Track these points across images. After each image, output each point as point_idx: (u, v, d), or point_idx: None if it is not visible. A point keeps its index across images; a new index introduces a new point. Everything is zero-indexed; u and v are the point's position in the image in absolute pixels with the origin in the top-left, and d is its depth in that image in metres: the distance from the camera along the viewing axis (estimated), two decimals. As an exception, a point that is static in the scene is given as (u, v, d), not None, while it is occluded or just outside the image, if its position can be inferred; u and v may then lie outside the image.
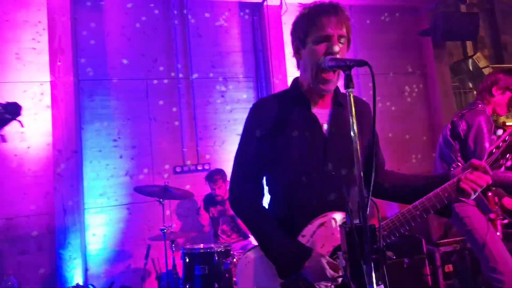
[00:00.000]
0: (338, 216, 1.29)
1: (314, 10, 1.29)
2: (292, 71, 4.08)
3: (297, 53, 1.36)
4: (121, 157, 3.73)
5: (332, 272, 1.21)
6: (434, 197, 1.28)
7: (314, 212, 1.29)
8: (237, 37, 4.20)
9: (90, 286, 3.18)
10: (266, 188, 1.41)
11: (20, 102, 3.54)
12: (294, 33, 1.35)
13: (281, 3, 4.08)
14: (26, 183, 3.44)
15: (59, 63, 3.51)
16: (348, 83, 1.05)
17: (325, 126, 1.34)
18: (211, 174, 3.48)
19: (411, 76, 4.75)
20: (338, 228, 1.19)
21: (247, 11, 4.26)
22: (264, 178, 1.40)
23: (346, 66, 1.07)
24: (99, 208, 3.63)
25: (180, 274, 3.10)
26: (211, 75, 4.05)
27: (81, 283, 3.25)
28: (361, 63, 1.06)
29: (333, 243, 1.28)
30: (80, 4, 3.79)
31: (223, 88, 4.08)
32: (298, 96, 1.36)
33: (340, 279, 1.21)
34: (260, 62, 4.18)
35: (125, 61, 3.85)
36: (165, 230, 3.06)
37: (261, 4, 4.13)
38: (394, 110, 4.58)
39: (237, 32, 4.20)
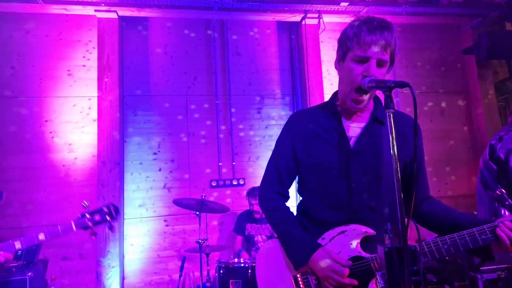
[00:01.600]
0: (359, 229, 1.33)
1: (362, 26, 1.26)
2: (328, 89, 4.09)
3: (338, 63, 1.39)
4: (160, 170, 3.86)
5: (336, 276, 1.25)
6: (467, 235, 1.22)
7: (334, 221, 1.34)
8: (275, 55, 4.28)
9: (127, 295, 3.26)
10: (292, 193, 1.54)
11: (69, 116, 3.79)
12: (339, 42, 1.35)
13: (319, 22, 4.12)
14: (71, 192, 3.63)
15: (106, 80, 3.72)
16: (388, 104, 1.06)
17: (353, 140, 1.35)
18: (254, 190, 3.50)
19: (453, 95, 4.61)
20: (358, 240, 1.32)
21: (285, 30, 4.34)
22: (295, 183, 1.53)
23: (387, 87, 1.07)
24: (138, 219, 3.76)
25: (214, 287, 3.13)
26: (248, 92, 4.14)
27: (118, 292, 3.35)
28: (402, 85, 1.06)
29: (349, 253, 1.32)
30: (127, 24, 4.01)
31: (260, 105, 4.15)
32: (332, 109, 1.41)
33: (344, 281, 1.25)
34: (297, 80, 4.22)
35: (167, 79, 4.02)
36: (201, 243, 3.11)
37: (299, 23, 4.19)
38: (435, 129, 4.45)
39: (275, 51, 4.28)
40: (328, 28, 4.13)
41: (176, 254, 3.74)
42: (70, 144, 3.70)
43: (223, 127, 4.03)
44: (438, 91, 4.57)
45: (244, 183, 3.91)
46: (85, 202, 1.94)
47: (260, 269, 1.45)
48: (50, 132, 3.69)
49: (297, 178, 1.51)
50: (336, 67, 1.39)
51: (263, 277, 1.43)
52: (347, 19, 4.12)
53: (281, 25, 4.33)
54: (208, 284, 3.16)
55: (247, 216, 3.57)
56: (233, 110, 4.06)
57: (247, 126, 4.09)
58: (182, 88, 4.02)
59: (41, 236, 1.83)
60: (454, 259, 3.31)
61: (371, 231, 1.32)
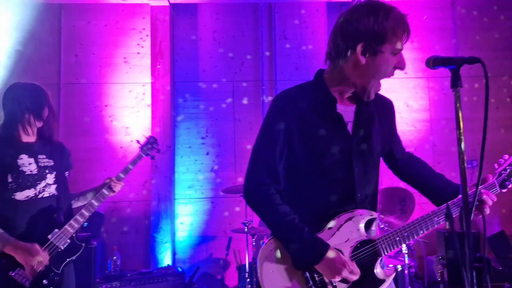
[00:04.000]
0: (365, 213, 1.34)
1: (397, 20, 1.23)
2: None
3: (362, 54, 1.24)
4: (207, 154, 4.02)
5: (346, 273, 1.24)
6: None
7: (338, 210, 1.32)
8: (324, 38, 4.16)
9: (179, 268, 3.51)
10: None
11: (126, 101, 4.05)
12: (363, 33, 1.22)
13: (371, 1, 3.91)
14: (128, 174, 3.92)
15: (158, 66, 3.89)
16: (456, 82, 1.02)
17: (349, 125, 1.34)
18: None
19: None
20: (363, 225, 1.33)
21: (335, 10, 4.18)
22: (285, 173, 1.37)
23: (454, 64, 1.04)
24: (187, 199, 3.98)
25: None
26: (295, 77, 4.10)
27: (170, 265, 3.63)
28: (472, 61, 1.02)
29: (357, 238, 1.32)
30: (177, 11, 4.13)
31: (306, 90, 4.09)
32: (324, 94, 1.33)
33: (353, 278, 1.26)
34: (346, 64, 4.08)
35: (214, 64, 4.10)
36: (247, 224, 3.22)
37: (350, 3, 4.01)
38: (503, 117, 4.10)
39: (324, 33, 4.16)
40: (381, 8, 3.91)
41: (223, 235, 3.93)
42: (127, 127, 3.97)
43: (269, 113, 4.06)
44: (505, 75, 4.17)
45: (288, 169, 3.94)
46: (138, 141, 2.49)
47: (266, 273, 1.31)
48: (109, 116, 3.98)
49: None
50: (360, 58, 1.23)
51: (269, 281, 1.31)
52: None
53: (331, 5, 4.18)
54: (253, 264, 3.29)
55: None
56: (279, 95, 4.06)
57: (293, 112, 4.07)
58: (229, 74, 4.09)
59: (122, 174, 2.23)
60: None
61: (375, 214, 1.36)
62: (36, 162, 1.97)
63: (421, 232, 1.32)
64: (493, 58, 4.14)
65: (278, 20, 4.16)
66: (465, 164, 1.00)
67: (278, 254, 1.32)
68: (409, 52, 4.15)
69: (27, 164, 1.94)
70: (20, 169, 1.91)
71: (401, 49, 1.25)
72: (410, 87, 4.09)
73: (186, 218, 3.97)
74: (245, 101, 4.08)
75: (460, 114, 1.00)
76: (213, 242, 3.94)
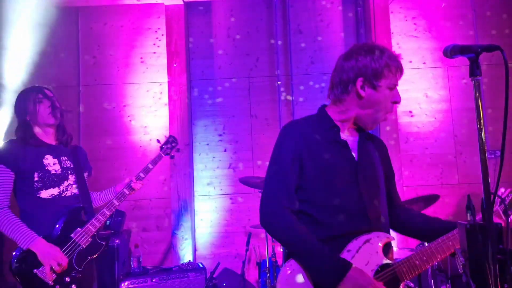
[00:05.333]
0: (382, 236, 1.36)
1: (391, 58, 1.39)
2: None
3: (360, 88, 1.39)
4: (225, 150, 4.05)
5: None
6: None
7: (353, 231, 1.35)
8: (339, 30, 4.11)
9: (200, 264, 3.56)
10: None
11: (144, 101, 4.11)
12: (361, 69, 1.38)
13: (388, -9, 3.84)
14: (148, 173, 3.98)
15: (175, 65, 3.93)
16: (475, 71, 1.00)
17: (354, 151, 1.44)
18: None
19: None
20: (381, 248, 1.33)
21: (350, 2, 4.12)
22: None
23: (473, 52, 1.02)
24: (206, 196, 4.02)
25: (279, 262, 3.27)
26: (311, 71, 4.07)
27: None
28: (491, 48, 1.00)
29: (377, 261, 1.32)
30: (192, 9, 4.14)
31: (323, 84, 4.06)
32: (328, 123, 1.45)
33: None
34: (362, 56, 4.02)
35: (230, 62, 4.11)
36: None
37: (365, -6, 3.95)
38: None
39: (339, 26, 4.11)
40: (398, -2, 3.83)
41: (242, 230, 3.96)
42: (145, 127, 4.03)
43: (284, 108, 4.05)
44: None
45: (306, 164, 3.93)
46: (158, 140, 2.54)
47: None
48: (128, 116, 4.05)
49: None
50: (360, 92, 1.39)
51: None
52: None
53: (346, -3, 4.12)
54: (273, 259, 3.31)
55: None
56: (295, 90, 4.04)
57: (310, 106, 4.05)
58: (244, 70, 4.09)
59: (142, 174, 2.29)
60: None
61: (391, 238, 1.39)
62: (60, 162, 2.04)
63: (439, 256, 1.32)
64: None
65: (293, 14, 4.12)
66: (486, 155, 0.98)
67: (298, 277, 1.31)
68: (428, 42, 4.06)
69: (52, 164, 2.00)
70: (46, 168, 1.97)
71: (396, 84, 1.40)
72: (429, 77, 4.00)
73: (206, 215, 4.01)
74: (261, 98, 4.08)
75: (480, 104, 0.98)
76: (233, 238, 3.97)
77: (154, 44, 4.11)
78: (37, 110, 2.02)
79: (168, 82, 3.93)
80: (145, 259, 3.61)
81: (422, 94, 3.97)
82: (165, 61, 3.99)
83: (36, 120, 2.02)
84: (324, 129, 1.43)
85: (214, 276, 3.44)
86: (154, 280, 3.25)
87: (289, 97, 4.05)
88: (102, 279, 3.28)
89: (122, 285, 3.13)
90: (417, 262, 1.31)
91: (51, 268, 1.85)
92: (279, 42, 4.10)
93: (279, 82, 4.05)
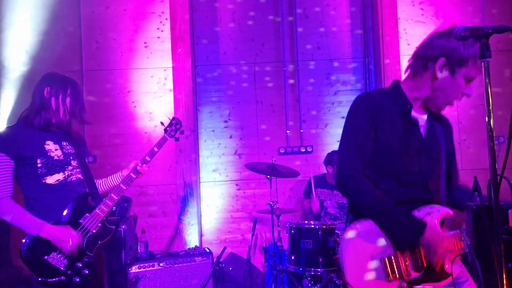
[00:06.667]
0: (442, 211, 1.42)
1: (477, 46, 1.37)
2: (405, 50, 3.82)
3: (439, 68, 1.40)
4: (231, 137, 4.04)
5: (444, 248, 1.30)
6: None
7: (415, 195, 1.46)
8: (345, 15, 4.07)
9: (206, 249, 3.59)
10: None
11: (148, 86, 4.07)
12: (449, 50, 1.37)
13: (395, -25, 3.79)
14: (154, 156, 3.97)
15: (179, 50, 3.88)
16: (485, 53, 1.01)
17: (422, 129, 1.51)
18: (331, 155, 3.52)
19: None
20: (438, 221, 1.39)
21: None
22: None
23: (483, 34, 1.02)
24: (212, 183, 4.03)
25: (285, 247, 3.32)
26: (317, 57, 4.04)
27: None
28: (502, 29, 1.01)
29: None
30: (196, -7, 4.07)
31: (328, 70, 4.04)
32: (402, 99, 1.50)
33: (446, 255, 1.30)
34: (370, 42, 4.00)
35: (235, 47, 4.07)
36: (272, 204, 3.26)
37: (372, -21, 3.90)
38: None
39: (346, 10, 4.07)
40: (405, -17, 3.79)
41: (248, 216, 3.99)
42: (150, 113, 4.00)
43: (290, 94, 4.03)
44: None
45: (312, 151, 3.95)
46: (162, 122, 2.47)
47: (349, 254, 1.40)
48: (133, 102, 4.01)
49: None
50: (437, 72, 1.40)
51: (353, 262, 1.39)
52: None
53: (352, -18, 4.06)
54: (279, 244, 3.35)
55: (319, 181, 3.64)
56: (300, 76, 4.02)
57: (316, 92, 4.04)
58: (250, 56, 4.05)
59: (148, 157, 2.23)
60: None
61: (451, 212, 1.44)
62: (61, 148, 2.01)
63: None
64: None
65: (299, -2, 4.06)
66: (494, 141, 0.99)
67: (365, 236, 1.40)
68: (434, 27, 4.03)
69: (54, 149, 1.97)
70: (49, 154, 1.94)
71: (473, 78, 1.40)
72: (435, 63, 4.00)
73: (211, 201, 4.03)
74: (267, 83, 4.05)
75: (489, 89, 0.98)
76: (239, 223, 4.01)
77: (158, 28, 4.04)
78: (63, 104, 1.99)
79: (173, 67, 3.89)
80: (151, 244, 3.63)
81: (427, 81, 3.97)
82: (169, 46, 3.93)
83: (52, 111, 1.99)
84: (398, 104, 1.49)
85: (220, 260, 3.48)
86: (161, 265, 3.28)
87: (291, 81, 4.03)
88: (109, 264, 3.31)
89: (130, 270, 3.16)
90: (462, 237, 1.35)
91: (68, 250, 1.84)
92: (285, 27, 4.05)
93: (285, 68, 4.02)
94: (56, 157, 1.96)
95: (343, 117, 3.92)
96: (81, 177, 2.03)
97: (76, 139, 2.12)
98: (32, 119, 1.96)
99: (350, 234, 1.43)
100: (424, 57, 1.43)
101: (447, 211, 1.43)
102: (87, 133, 3.88)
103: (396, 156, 1.45)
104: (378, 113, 1.46)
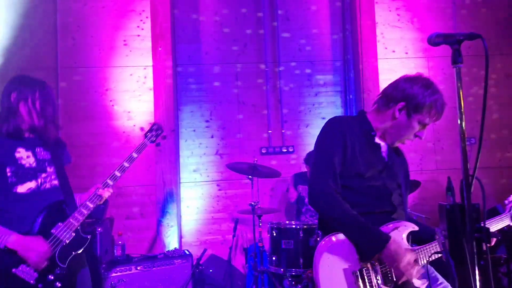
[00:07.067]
0: (409, 226, 1.56)
1: (437, 103, 1.55)
2: (382, 53, 3.94)
3: (398, 110, 1.57)
4: (212, 137, 4.00)
5: (406, 261, 1.43)
6: None
7: (380, 208, 1.60)
8: (326, 18, 4.15)
9: (186, 251, 3.52)
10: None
11: (127, 85, 3.98)
12: (409, 96, 1.54)
13: (373, -19, 3.91)
14: (133, 163, 3.88)
15: (160, 49, 3.83)
16: (457, 58, 1.05)
17: (384, 154, 1.68)
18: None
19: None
20: (406, 236, 1.53)
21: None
22: None
23: (456, 40, 1.08)
24: (193, 183, 3.97)
25: (266, 247, 3.30)
26: (298, 58, 4.09)
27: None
28: (473, 36, 1.06)
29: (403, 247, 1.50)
30: (178, -8, 4.04)
31: (309, 71, 4.10)
32: (368, 128, 1.67)
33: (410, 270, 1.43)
34: (349, 44, 4.09)
35: (217, 47, 4.06)
36: (254, 205, 3.24)
37: (351, -17, 4.01)
38: (500, 95, 4.20)
39: (326, 14, 4.15)
40: (383, -12, 3.92)
41: (229, 217, 3.95)
42: (129, 112, 3.91)
43: (272, 95, 4.05)
44: (505, 53, 4.25)
45: (293, 151, 3.97)
46: (142, 128, 2.36)
47: (323, 267, 1.49)
48: (111, 101, 3.91)
49: None
50: (396, 112, 1.57)
51: (327, 275, 1.48)
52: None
53: (332, -14, 4.16)
54: (260, 244, 3.33)
55: (300, 178, 3.66)
56: (282, 77, 4.05)
57: (297, 93, 4.08)
58: (232, 56, 4.05)
59: (126, 163, 2.07)
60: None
61: (416, 227, 1.57)
62: (34, 155, 1.90)
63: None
64: (494, 37, 4.20)
65: (280, 0, 4.11)
66: (466, 142, 1.04)
67: (338, 250, 1.50)
68: (410, 32, 4.18)
69: (25, 157, 1.86)
70: (19, 162, 1.84)
71: (427, 125, 1.58)
72: (411, 67, 4.14)
73: (192, 202, 3.97)
74: (248, 84, 4.06)
75: (461, 93, 1.03)
76: (219, 224, 3.96)
77: (138, 26, 3.97)
78: (34, 107, 1.86)
79: (153, 66, 3.83)
80: (129, 247, 3.53)
81: (404, 84, 4.10)
82: (149, 44, 3.87)
83: (22, 117, 1.86)
84: (364, 130, 1.66)
85: (200, 262, 3.42)
86: (139, 268, 3.19)
87: (273, 82, 4.06)
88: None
89: (106, 274, 3.04)
90: (432, 250, 1.54)
91: (35, 262, 1.69)
92: (267, 29, 4.09)
93: (267, 69, 4.04)
94: (28, 165, 1.84)
95: (323, 118, 3.97)
96: (57, 184, 1.93)
97: (53, 143, 2.00)
98: (0, 127, 1.86)
99: (324, 247, 1.51)
100: (389, 97, 1.60)
101: (412, 226, 1.56)
102: (62, 132, 3.74)
103: (363, 173, 1.59)
104: (349, 135, 1.60)
